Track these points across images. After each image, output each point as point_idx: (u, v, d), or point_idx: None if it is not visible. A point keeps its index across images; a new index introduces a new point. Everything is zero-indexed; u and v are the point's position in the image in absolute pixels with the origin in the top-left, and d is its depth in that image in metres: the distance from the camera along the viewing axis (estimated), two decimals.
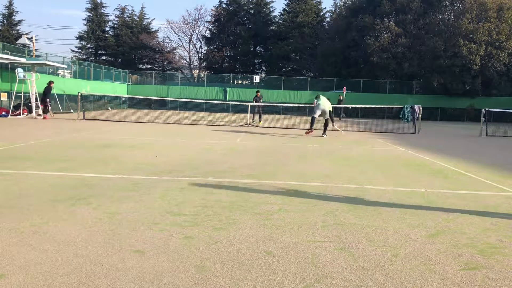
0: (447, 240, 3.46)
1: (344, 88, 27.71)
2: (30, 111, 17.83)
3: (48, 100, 18.50)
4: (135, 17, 51.62)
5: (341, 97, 27.61)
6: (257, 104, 20.08)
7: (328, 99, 14.49)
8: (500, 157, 9.80)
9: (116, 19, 51.03)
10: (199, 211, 4.05)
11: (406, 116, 17.29)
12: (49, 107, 18.71)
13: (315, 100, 14.12)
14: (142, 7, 76.50)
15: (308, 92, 35.49)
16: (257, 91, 20.78)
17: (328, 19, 48.56)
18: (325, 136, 13.71)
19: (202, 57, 50.19)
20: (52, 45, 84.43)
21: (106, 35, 50.18)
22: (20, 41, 25.89)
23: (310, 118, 14.38)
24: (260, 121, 19.62)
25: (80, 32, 50.48)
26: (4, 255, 2.81)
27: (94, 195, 4.52)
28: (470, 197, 5.17)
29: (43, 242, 3.07)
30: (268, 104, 29.84)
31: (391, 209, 4.40)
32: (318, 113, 13.66)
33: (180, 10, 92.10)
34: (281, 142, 11.37)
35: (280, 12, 49.72)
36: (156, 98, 32.30)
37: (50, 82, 19.03)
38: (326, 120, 13.98)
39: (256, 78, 36.48)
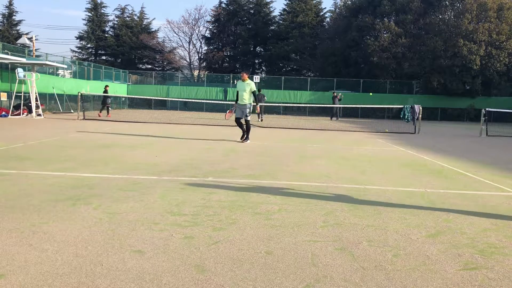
0: (447, 240, 3.46)
1: (340, 94, 28.38)
2: (30, 111, 17.85)
3: (108, 101, 22.07)
4: (135, 17, 51.60)
5: (340, 95, 27.72)
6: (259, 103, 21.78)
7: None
8: (500, 157, 9.80)
9: (116, 19, 51.04)
10: (199, 211, 4.05)
11: (406, 116, 17.30)
12: (106, 109, 21.96)
13: (253, 95, 10.61)
14: (142, 7, 76.74)
15: (308, 92, 35.51)
16: (259, 90, 22.81)
17: (328, 19, 48.57)
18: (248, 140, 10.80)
19: (202, 57, 50.18)
20: (52, 45, 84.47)
21: (106, 35, 50.16)
22: (20, 41, 25.90)
23: (242, 121, 10.76)
24: (259, 119, 21.13)
25: (80, 32, 50.54)
26: (4, 255, 2.81)
27: (94, 195, 4.52)
28: (470, 197, 5.17)
29: (43, 242, 3.07)
30: (268, 104, 29.90)
31: (391, 209, 4.40)
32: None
33: (180, 10, 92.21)
34: (281, 142, 11.38)
35: (280, 12, 49.81)
36: (156, 98, 32.30)
37: (106, 86, 22.83)
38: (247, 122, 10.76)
39: (256, 78, 36.46)
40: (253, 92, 10.55)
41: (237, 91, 10.70)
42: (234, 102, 11.03)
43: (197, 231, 3.44)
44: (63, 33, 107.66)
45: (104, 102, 21.64)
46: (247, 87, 10.45)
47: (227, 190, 5.01)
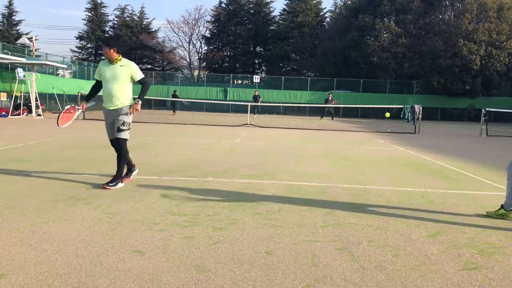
0: (447, 240, 3.46)
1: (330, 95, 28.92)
2: (30, 111, 17.85)
3: (174, 104, 29.87)
4: (135, 17, 51.59)
5: (330, 96, 28.35)
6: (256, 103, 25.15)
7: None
8: (500, 157, 9.80)
9: (116, 19, 51.07)
10: (199, 211, 4.04)
11: (406, 116, 17.31)
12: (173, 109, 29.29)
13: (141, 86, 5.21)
14: (142, 7, 76.54)
15: (308, 92, 35.51)
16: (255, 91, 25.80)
17: (328, 19, 48.62)
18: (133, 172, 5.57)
19: (202, 57, 50.18)
20: (52, 45, 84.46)
21: (106, 35, 50.15)
22: (20, 41, 25.93)
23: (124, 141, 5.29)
24: (254, 115, 24.26)
25: (80, 32, 50.58)
26: (4, 255, 2.81)
27: (94, 195, 4.52)
28: (470, 197, 5.17)
29: (43, 242, 3.07)
30: (268, 104, 29.93)
31: (391, 209, 4.40)
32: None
33: (180, 10, 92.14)
34: (281, 142, 11.37)
35: (280, 12, 49.86)
36: (156, 98, 32.28)
37: (175, 91, 30.33)
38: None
39: (256, 78, 36.47)
40: (141, 82, 5.11)
41: (98, 82, 5.17)
42: (94, 102, 5.62)
43: (197, 231, 3.44)
44: (63, 33, 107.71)
45: (173, 104, 29.76)
46: (121, 72, 4.94)
47: (227, 190, 5.01)
